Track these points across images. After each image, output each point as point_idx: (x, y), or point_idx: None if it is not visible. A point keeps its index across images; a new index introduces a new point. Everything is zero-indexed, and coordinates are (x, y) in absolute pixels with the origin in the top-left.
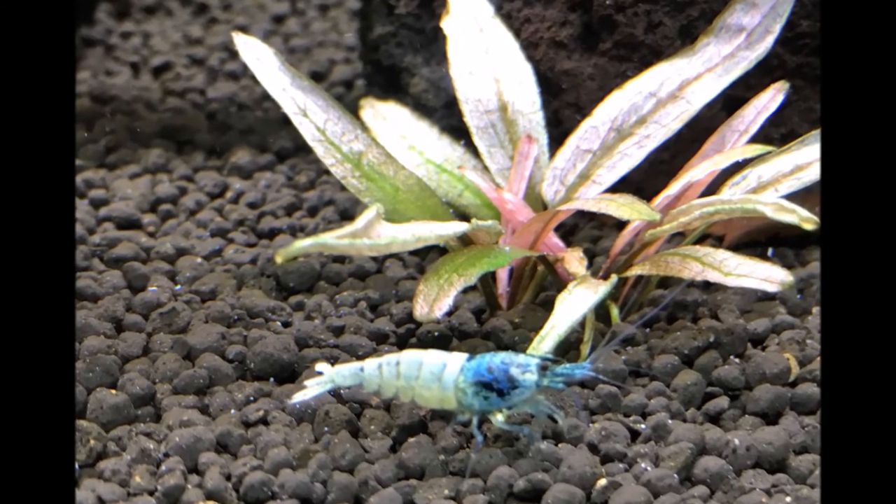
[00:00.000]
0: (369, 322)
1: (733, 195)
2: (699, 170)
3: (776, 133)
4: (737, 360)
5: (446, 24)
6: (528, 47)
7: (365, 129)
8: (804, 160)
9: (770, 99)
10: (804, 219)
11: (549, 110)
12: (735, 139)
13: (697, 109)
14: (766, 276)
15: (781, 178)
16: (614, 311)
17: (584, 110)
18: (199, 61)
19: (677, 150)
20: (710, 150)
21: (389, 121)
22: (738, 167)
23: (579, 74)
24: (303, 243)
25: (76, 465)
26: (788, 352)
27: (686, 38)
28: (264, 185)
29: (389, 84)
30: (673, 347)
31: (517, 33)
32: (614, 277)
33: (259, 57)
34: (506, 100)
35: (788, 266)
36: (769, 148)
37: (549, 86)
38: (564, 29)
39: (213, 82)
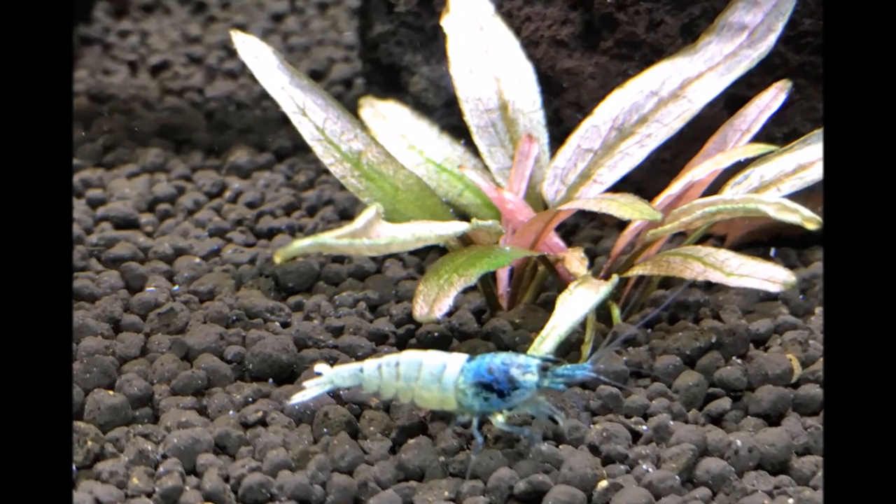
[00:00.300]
0: (369, 322)
1: (735, 195)
2: (701, 169)
3: (778, 132)
4: (739, 360)
5: (446, 22)
6: (529, 46)
7: (364, 128)
8: (807, 159)
9: (772, 98)
10: (807, 218)
11: (550, 109)
12: (737, 138)
13: (699, 108)
14: (768, 276)
15: (784, 178)
16: (615, 312)
17: (585, 109)
18: (197, 60)
19: (679, 149)
20: (711, 149)
21: (389, 120)
22: (740, 166)
23: (580, 73)
24: (302, 243)
25: (73, 467)
26: (791, 352)
27: (688, 36)
28: (263, 184)
29: (389, 83)
30: (674, 348)
31: (518, 32)
32: (615, 277)
33: (257, 55)
34: (506, 98)
35: (791, 266)
36: (771, 147)
37: (550, 84)
38: (565, 27)
39: (212, 81)
